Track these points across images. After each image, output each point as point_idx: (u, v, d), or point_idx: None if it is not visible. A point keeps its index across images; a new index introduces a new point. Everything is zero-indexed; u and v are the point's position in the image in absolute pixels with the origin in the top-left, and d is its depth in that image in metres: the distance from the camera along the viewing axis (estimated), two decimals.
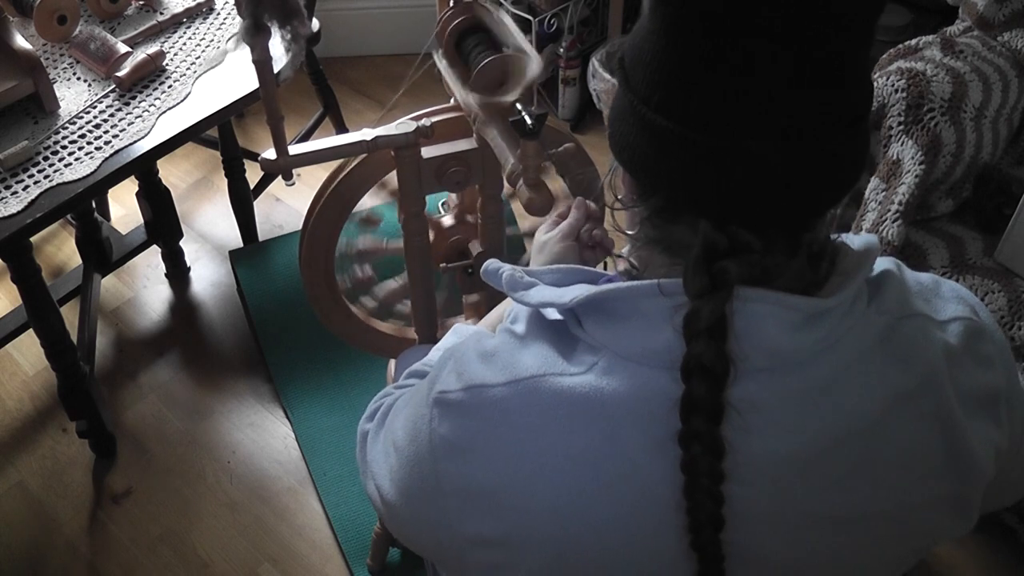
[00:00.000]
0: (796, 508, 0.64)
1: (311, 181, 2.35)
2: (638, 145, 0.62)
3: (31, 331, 1.74)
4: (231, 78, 1.65)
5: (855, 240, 0.67)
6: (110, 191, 2.30)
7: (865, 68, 0.60)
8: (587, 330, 0.65)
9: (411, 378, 0.90)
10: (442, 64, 1.21)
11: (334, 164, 1.33)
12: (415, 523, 0.74)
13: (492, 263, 0.76)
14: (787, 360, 0.61)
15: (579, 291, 0.65)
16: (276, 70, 1.14)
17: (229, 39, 1.73)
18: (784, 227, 0.62)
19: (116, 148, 1.49)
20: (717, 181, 0.59)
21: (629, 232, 0.70)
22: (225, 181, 2.14)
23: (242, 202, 2.18)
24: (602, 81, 2.29)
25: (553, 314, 0.68)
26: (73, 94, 1.59)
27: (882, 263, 0.69)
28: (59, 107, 1.55)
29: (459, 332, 0.96)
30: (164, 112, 1.56)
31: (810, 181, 0.60)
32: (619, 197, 0.70)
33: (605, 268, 1.10)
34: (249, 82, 1.62)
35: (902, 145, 1.55)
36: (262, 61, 1.09)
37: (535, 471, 0.64)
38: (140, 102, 1.58)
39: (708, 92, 0.57)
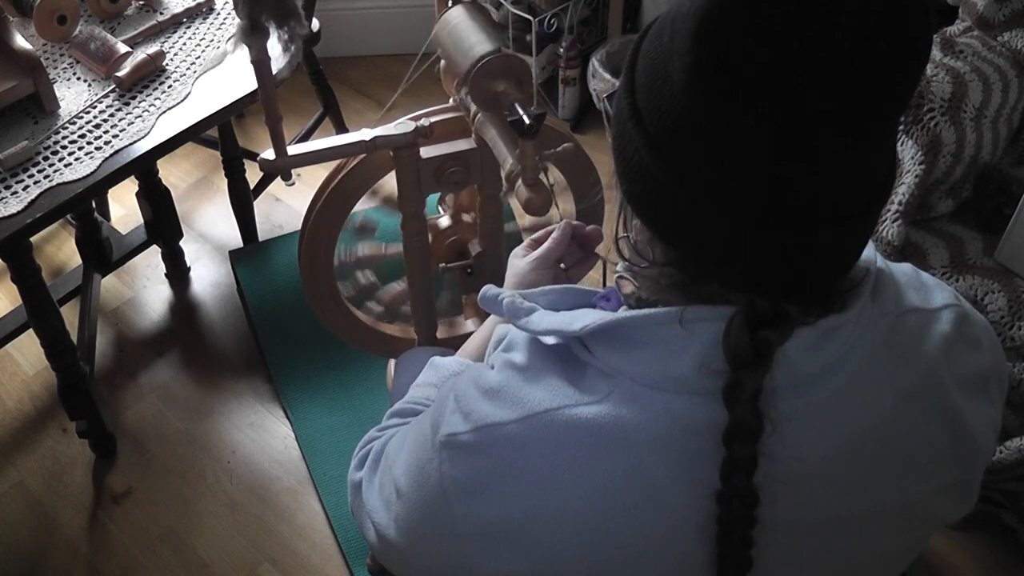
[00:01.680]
0: (814, 515, 0.64)
1: (311, 181, 2.35)
2: (673, 218, 0.59)
3: (31, 331, 1.74)
4: (231, 78, 1.65)
5: None
6: (110, 191, 2.30)
7: (896, 133, 0.60)
8: (598, 356, 0.64)
9: (393, 418, 0.88)
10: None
11: (334, 164, 1.33)
12: (428, 567, 0.72)
13: (490, 289, 0.75)
14: (806, 376, 0.61)
15: (589, 319, 0.64)
16: (275, 70, 1.14)
17: (228, 39, 1.73)
18: (824, 292, 0.62)
19: (116, 148, 1.49)
20: (764, 266, 0.58)
21: (640, 266, 0.67)
22: (225, 181, 2.14)
23: (242, 202, 2.18)
24: (602, 81, 2.29)
25: (551, 339, 0.67)
26: (73, 94, 1.59)
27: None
28: (59, 107, 1.55)
29: (435, 366, 0.93)
30: (164, 112, 1.57)
31: (851, 255, 0.61)
32: (633, 241, 0.67)
33: (604, 286, 1.09)
34: (249, 82, 1.62)
35: (902, 145, 1.55)
36: (260, 61, 1.09)
37: (558, 506, 0.63)
38: (140, 102, 1.58)
39: (759, 180, 0.55)
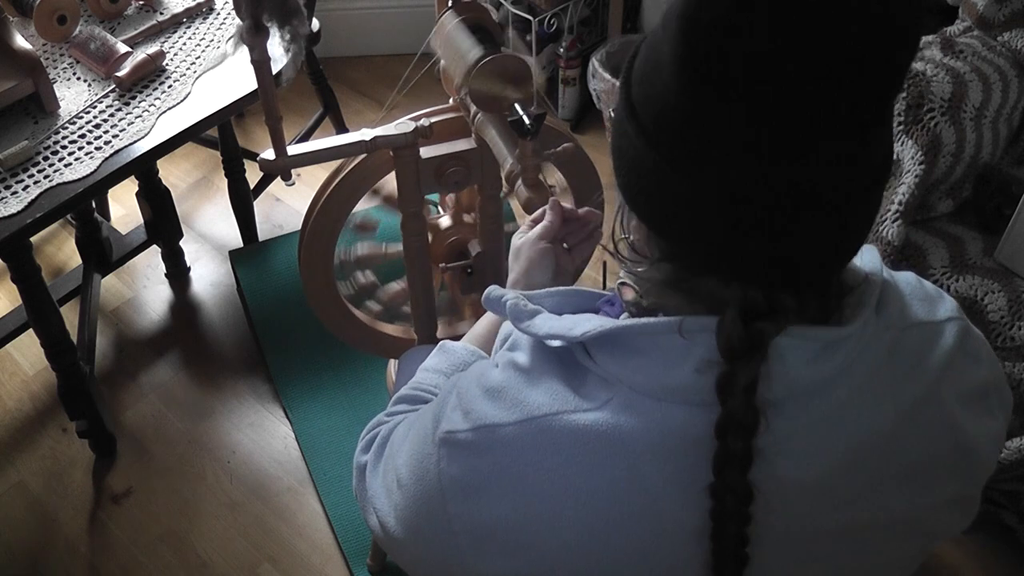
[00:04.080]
0: (814, 527, 0.64)
1: (311, 181, 2.35)
2: (666, 206, 0.59)
3: (31, 331, 1.74)
4: (231, 78, 1.65)
5: (860, 259, 0.67)
6: (110, 191, 2.31)
7: (891, 121, 0.60)
8: (598, 363, 0.64)
9: (401, 403, 0.89)
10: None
11: (334, 164, 1.33)
12: (423, 558, 0.72)
13: (495, 290, 0.75)
14: (806, 388, 0.61)
15: (591, 325, 0.64)
16: (275, 71, 1.14)
17: (228, 39, 1.73)
18: (819, 284, 0.62)
19: (116, 148, 1.49)
20: (762, 252, 0.58)
21: (639, 269, 0.67)
22: (225, 181, 2.14)
23: (242, 202, 2.18)
24: (602, 81, 2.29)
25: (555, 341, 0.67)
26: (73, 94, 1.59)
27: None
28: (59, 107, 1.55)
29: (445, 351, 0.94)
30: (164, 112, 1.57)
31: (847, 242, 0.60)
32: (631, 241, 0.67)
33: (604, 287, 1.10)
34: (249, 82, 1.63)
35: (902, 145, 1.55)
36: (261, 61, 1.09)
37: (552, 510, 0.63)
38: (140, 102, 1.58)
39: (746, 159, 0.54)
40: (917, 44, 0.55)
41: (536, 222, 1.03)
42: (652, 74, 0.58)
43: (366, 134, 1.21)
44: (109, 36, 1.65)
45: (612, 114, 0.67)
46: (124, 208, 2.42)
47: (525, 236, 1.01)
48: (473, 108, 1.15)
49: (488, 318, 1.00)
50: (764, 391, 0.58)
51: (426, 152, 1.25)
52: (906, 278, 0.72)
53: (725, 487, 0.59)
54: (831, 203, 0.56)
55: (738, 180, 0.55)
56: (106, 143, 1.50)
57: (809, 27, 0.51)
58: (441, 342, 0.96)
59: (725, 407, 0.58)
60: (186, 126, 1.55)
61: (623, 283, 0.69)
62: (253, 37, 1.04)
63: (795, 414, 0.61)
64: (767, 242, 0.57)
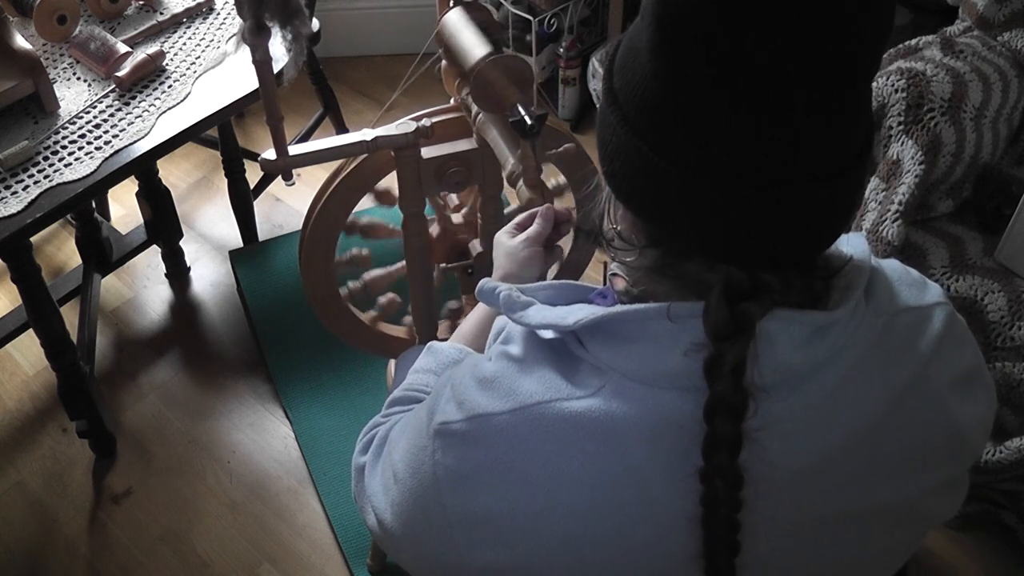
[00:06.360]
0: (806, 514, 0.64)
1: (311, 181, 2.35)
2: (649, 190, 0.60)
3: (31, 331, 1.74)
4: (231, 78, 1.65)
5: (848, 245, 0.68)
6: (110, 191, 2.30)
7: (869, 97, 0.60)
8: (591, 351, 0.64)
9: (395, 406, 0.89)
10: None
11: (334, 164, 1.33)
12: (421, 553, 0.73)
13: (488, 282, 0.75)
14: (796, 374, 0.61)
15: (583, 313, 0.64)
16: (276, 70, 1.14)
17: (229, 39, 1.73)
18: (803, 264, 0.62)
19: (116, 148, 1.49)
20: (743, 230, 0.58)
21: (627, 259, 0.68)
22: (225, 181, 2.14)
23: (242, 202, 2.18)
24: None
25: (548, 333, 0.68)
26: (73, 94, 1.59)
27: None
28: (59, 107, 1.55)
29: (433, 351, 0.94)
30: (164, 112, 1.57)
31: (831, 219, 0.60)
32: (619, 230, 0.68)
33: (604, 280, 1.10)
34: (249, 82, 1.62)
35: (902, 145, 1.55)
36: (263, 62, 1.09)
37: (546, 498, 0.63)
38: (140, 102, 1.58)
39: (729, 138, 0.55)
40: (889, 9, 0.55)
41: (521, 226, 1.03)
42: (631, 62, 0.59)
43: (367, 134, 1.21)
44: (109, 36, 1.65)
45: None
46: (124, 208, 2.42)
47: (517, 239, 1.01)
48: (474, 108, 1.15)
49: (473, 318, 1.00)
50: (754, 375, 0.58)
51: (427, 152, 1.25)
52: (891, 265, 0.73)
53: (714, 471, 0.59)
54: (812, 181, 0.57)
55: (717, 160, 0.56)
56: (106, 143, 1.50)
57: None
58: (428, 343, 0.96)
59: (713, 389, 0.58)
60: (186, 126, 1.55)
61: (614, 274, 0.70)
62: (255, 37, 1.04)
63: (785, 399, 0.61)
64: (749, 221, 0.58)
